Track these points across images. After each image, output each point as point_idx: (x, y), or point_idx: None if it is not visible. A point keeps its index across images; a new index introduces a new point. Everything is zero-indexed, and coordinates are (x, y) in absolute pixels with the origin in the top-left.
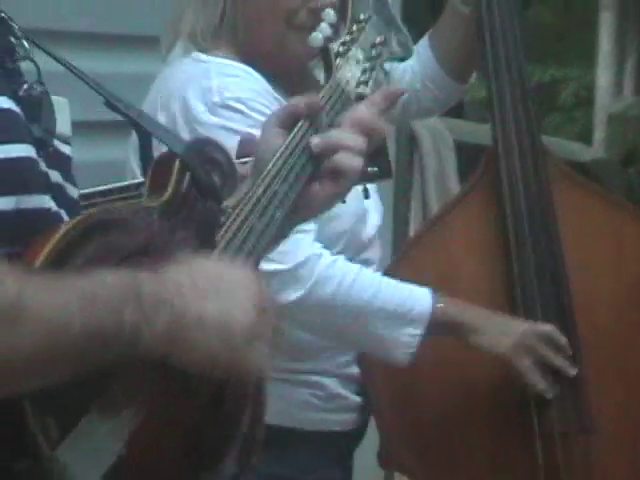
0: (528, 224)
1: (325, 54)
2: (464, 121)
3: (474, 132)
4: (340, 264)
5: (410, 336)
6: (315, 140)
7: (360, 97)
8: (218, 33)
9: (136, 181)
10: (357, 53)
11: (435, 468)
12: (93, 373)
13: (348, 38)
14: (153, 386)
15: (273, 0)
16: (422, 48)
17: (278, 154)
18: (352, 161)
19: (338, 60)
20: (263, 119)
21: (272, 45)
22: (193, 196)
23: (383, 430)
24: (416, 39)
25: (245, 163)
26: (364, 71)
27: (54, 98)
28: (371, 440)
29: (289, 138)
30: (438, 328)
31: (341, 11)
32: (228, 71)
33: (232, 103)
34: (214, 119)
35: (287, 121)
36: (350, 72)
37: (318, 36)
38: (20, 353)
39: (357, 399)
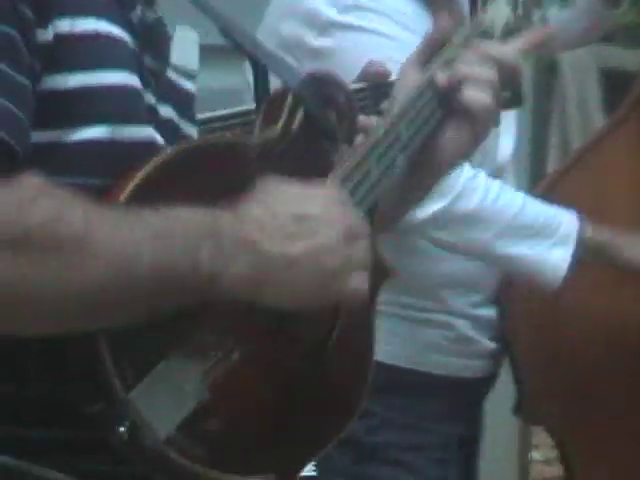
0: None
1: None
2: (610, 46)
3: (621, 58)
4: (482, 178)
5: (559, 259)
6: (440, 75)
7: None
8: None
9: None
10: None
11: (580, 424)
12: (175, 315)
13: None
14: (246, 330)
15: None
16: None
17: (407, 94)
18: (480, 96)
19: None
20: (397, 17)
21: None
22: (305, 134)
23: (523, 381)
24: None
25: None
26: (515, 17)
27: (183, 32)
28: (505, 389)
29: (421, 78)
30: (586, 251)
31: None
32: None
33: (364, 2)
34: (347, 18)
35: (425, 55)
36: (498, 14)
37: None
38: (84, 285)
39: (490, 345)
